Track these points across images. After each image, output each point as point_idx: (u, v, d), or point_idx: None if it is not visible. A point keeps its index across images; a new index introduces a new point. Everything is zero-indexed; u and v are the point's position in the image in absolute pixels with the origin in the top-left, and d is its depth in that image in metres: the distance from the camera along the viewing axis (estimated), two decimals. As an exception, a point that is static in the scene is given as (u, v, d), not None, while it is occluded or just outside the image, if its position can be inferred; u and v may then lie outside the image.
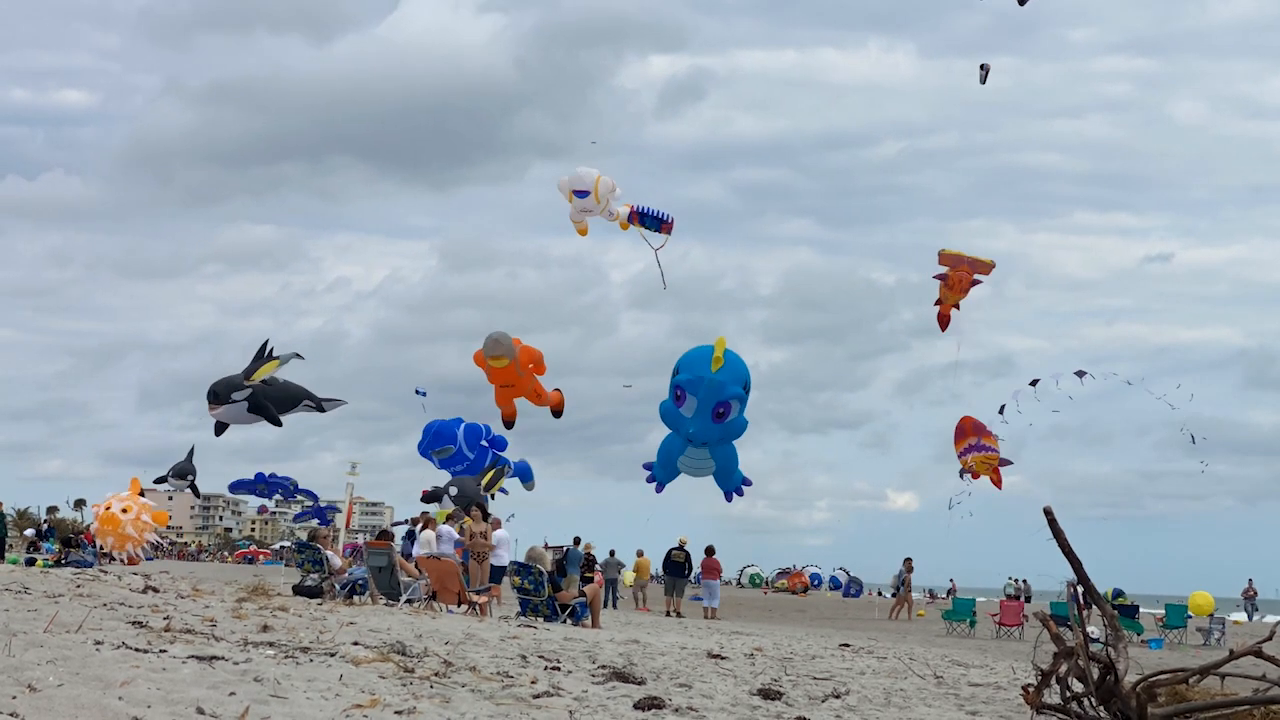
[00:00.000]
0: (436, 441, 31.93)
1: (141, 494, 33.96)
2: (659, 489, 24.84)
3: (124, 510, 23.35)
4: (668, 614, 31.19)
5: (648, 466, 24.56)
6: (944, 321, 28.31)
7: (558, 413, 25.95)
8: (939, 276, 27.84)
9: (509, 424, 25.58)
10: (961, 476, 29.94)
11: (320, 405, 28.07)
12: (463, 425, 32.10)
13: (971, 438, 29.67)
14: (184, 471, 35.29)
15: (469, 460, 31.94)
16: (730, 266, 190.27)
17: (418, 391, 35.94)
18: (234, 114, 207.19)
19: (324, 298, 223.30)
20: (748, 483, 25.47)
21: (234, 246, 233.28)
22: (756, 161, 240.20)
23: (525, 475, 34.13)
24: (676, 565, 33.85)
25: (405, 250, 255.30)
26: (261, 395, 26.49)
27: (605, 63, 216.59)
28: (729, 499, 25.64)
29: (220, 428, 27.24)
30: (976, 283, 27.90)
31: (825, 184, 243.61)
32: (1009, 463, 29.60)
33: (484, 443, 32.04)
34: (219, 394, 26.20)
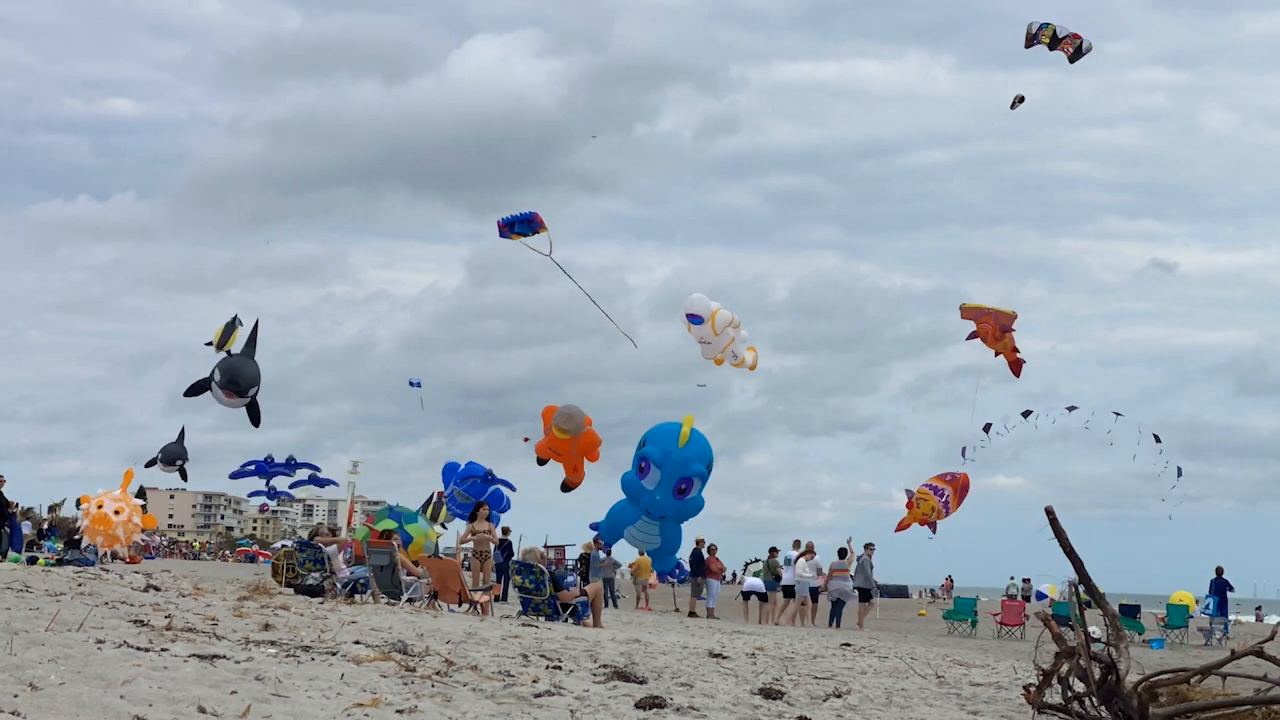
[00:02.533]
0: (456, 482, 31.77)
1: (141, 494, 33.77)
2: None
3: (116, 512, 24.21)
4: (692, 614, 31.10)
5: (594, 526, 24.88)
6: (1016, 367, 29.26)
7: (567, 487, 26.08)
8: (972, 335, 28.66)
9: (568, 488, 25.88)
10: (906, 493, 30.70)
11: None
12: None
13: (949, 489, 30.21)
14: (174, 456, 32.99)
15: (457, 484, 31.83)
16: (753, 272, 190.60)
17: (412, 383, 35.94)
18: (297, 145, 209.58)
19: (363, 308, 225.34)
20: (682, 569, 25.99)
21: (279, 262, 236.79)
22: (790, 169, 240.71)
23: (496, 502, 32.99)
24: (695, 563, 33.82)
25: (437, 255, 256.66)
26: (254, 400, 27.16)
27: (649, 101, 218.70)
28: (661, 579, 26.33)
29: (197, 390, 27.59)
30: (1010, 330, 28.81)
31: (855, 191, 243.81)
32: (931, 525, 30.27)
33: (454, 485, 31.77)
34: (240, 389, 26.79)
